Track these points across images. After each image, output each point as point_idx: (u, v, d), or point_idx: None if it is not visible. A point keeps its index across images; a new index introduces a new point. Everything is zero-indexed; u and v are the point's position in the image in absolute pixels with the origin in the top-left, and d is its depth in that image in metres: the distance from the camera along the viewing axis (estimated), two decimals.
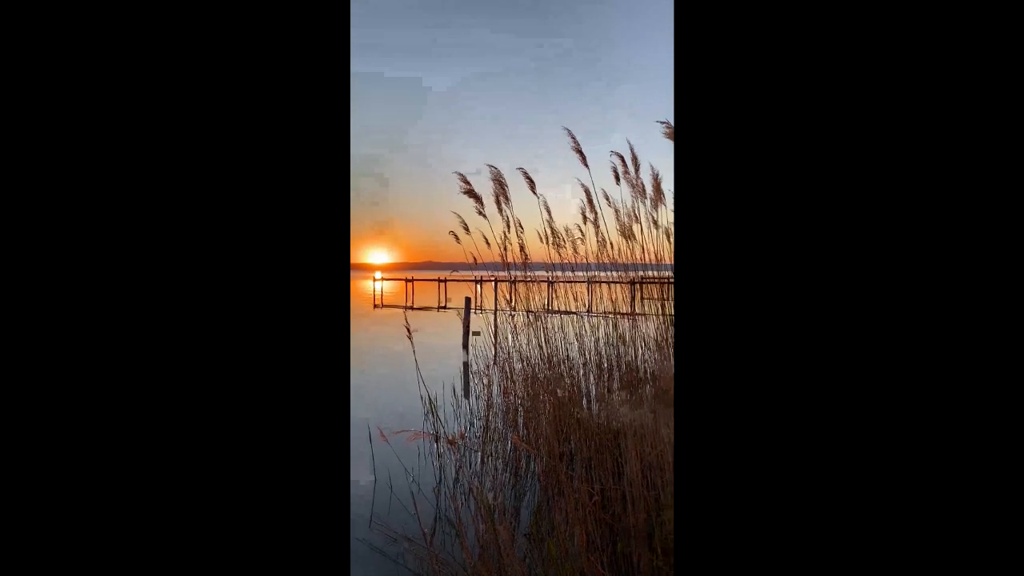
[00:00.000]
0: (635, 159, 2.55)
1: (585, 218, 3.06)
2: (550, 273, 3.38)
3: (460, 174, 2.01)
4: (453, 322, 10.82)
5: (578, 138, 2.40)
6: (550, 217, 3.00)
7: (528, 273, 3.26)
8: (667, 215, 2.94)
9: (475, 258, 3.38)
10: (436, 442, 3.32)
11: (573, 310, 3.41)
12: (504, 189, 2.46)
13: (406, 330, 2.11)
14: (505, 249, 2.96)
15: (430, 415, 2.74)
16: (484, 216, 2.47)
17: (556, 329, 3.26)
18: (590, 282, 4.79)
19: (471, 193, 1.93)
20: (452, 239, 3.25)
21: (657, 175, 2.72)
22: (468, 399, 4.84)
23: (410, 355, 2.48)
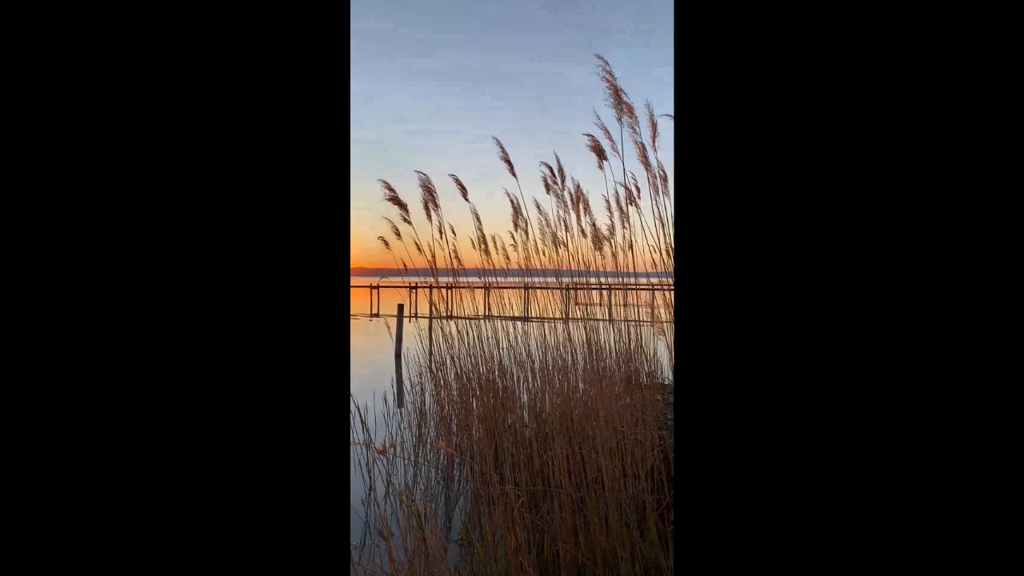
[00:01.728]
0: (561, 171, 2.63)
1: (516, 225, 3.11)
2: (483, 279, 3.41)
3: (384, 181, 2.00)
4: (386, 330, 10.61)
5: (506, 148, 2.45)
6: (479, 223, 3.03)
7: (460, 279, 3.27)
8: (588, 223, 3.05)
9: (405, 264, 3.36)
10: (366, 451, 3.26)
11: (508, 315, 3.45)
12: (433, 195, 2.46)
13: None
14: (433, 256, 2.96)
15: (360, 425, 2.69)
16: (409, 223, 2.45)
17: (489, 335, 3.29)
18: (526, 287, 4.86)
19: (395, 200, 1.91)
20: (381, 244, 3.21)
21: (578, 186, 2.84)
22: (401, 408, 4.77)
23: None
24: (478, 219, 2.92)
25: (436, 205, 2.46)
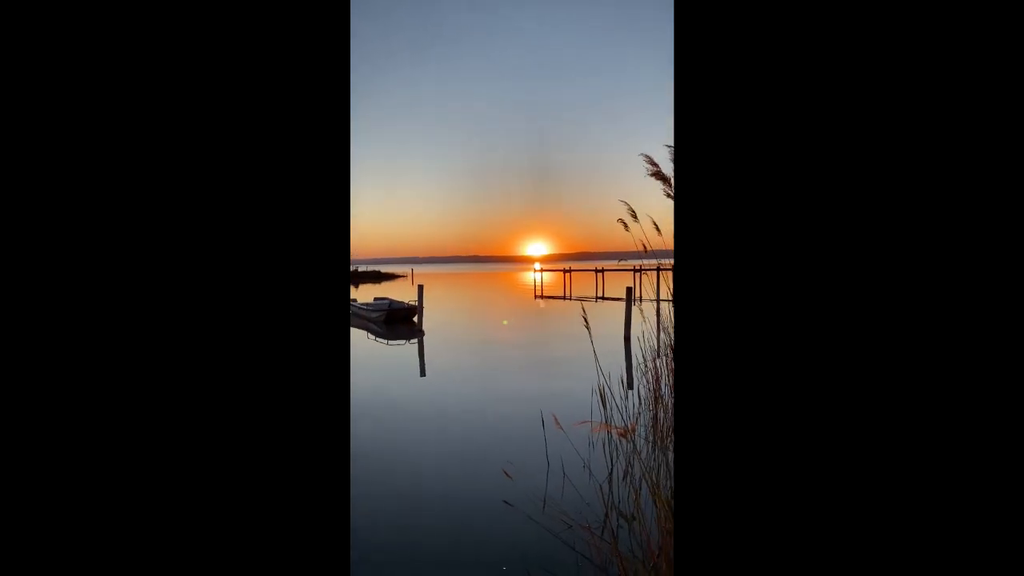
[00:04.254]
0: None
1: None
2: None
3: (647, 155, 1.93)
4: (612, 313, 10.69)
5: None
6: None
7: None
8: None
9: (645, 246, 3.27)
10: (608, 432, 3.30)
11: None
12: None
13: (584, 321, 2.11)
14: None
15: (602, 406, 2.72)
16: (671, 197, 2.34)
17: None
18: None
19: (659, 175, 1.82)
20: (611, 228, 3.17)
21: None
22: (631, 390, 4.74)
23: (572, 345, 2.48)
24: None
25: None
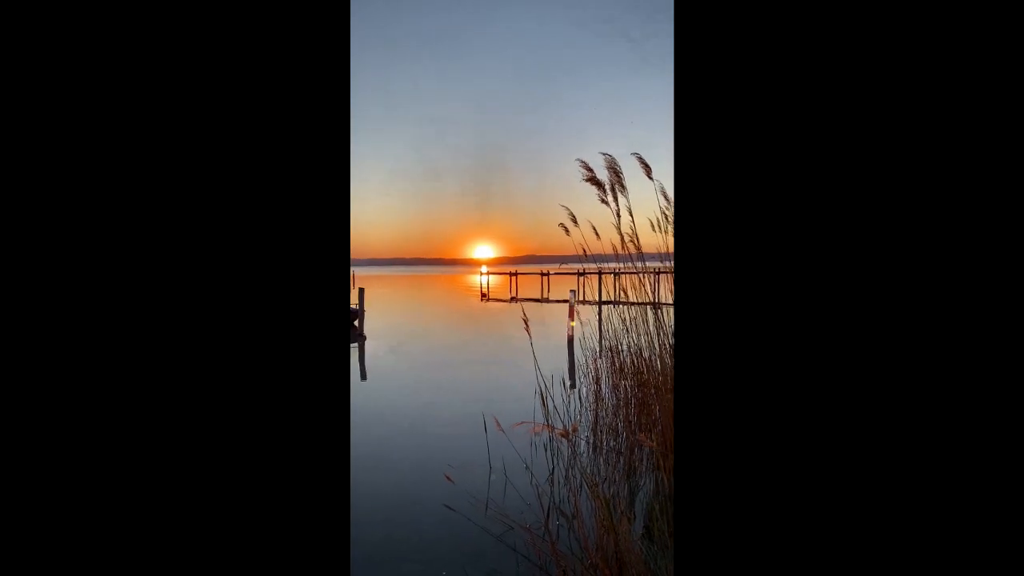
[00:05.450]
0: None
1: None
2: (661, 264, 3.25)
3: (582, 161, 1.96)
4: (555, 314, 10.84)
5: None
6: (668, 203, 2.87)
7: (640, 264, 3.15)
8: None
9: (584, 250, 3.33)
10: (549, 433, 3.33)
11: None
12: (619, 176, 2.38)
13: (524, 323, 2.13)
14: (622, 238, 2.87)
15: (542, 407, 2.75)
16: (606, 203, 2.39)
17: (667, 323, 3.13)
18: None
19: (593, 180, 1.86)
20: (556, 232, 3.22)
21: None
22: (573, 390, 4.82)
23: (516, 347, 2.49)
24: (666, 198, 2.76)
25: (623, 187, 2.38)
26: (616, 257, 3.09)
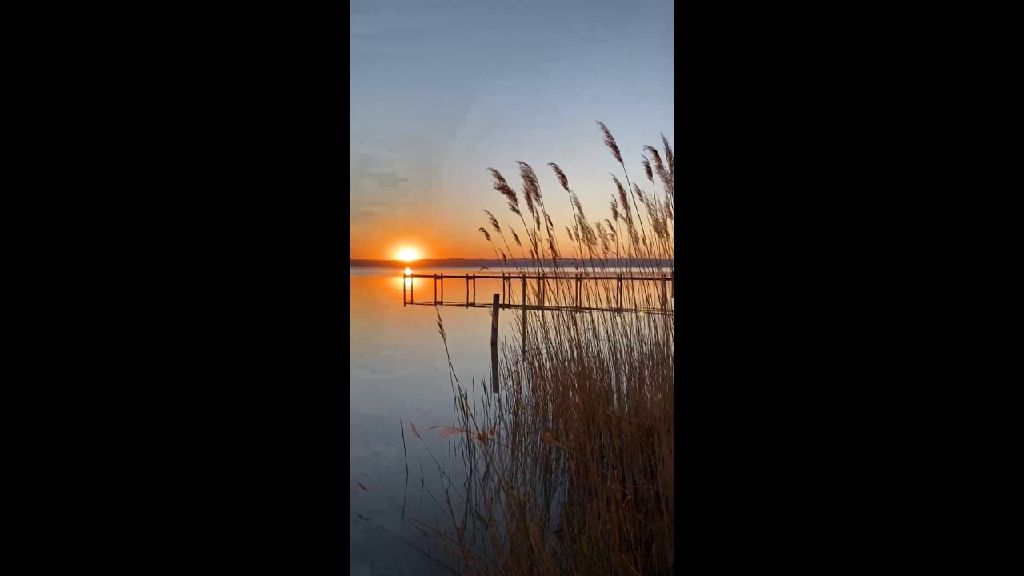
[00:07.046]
0: (669, 153, 2.50)
1: (616, 213, 3.02)
2: (579, 269, 3.36)
3: (494, 170, 2.00)
4: (481, 319, 10.87)
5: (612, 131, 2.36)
6: (581, 213, 2.97)
7: (557, 270, 3.24)
8: None
9: (504, 255, 3.38)
10: (467, 437, 3.34)
11: (604, 307, 3.38)
12: (535, 185, 2.45)
13: (439, 327, 2.12)
14: (536, 245, 2.94)
15: (460, 411, 2.76)
16: (517, 212, 2.44)
17: (585, 326, 3.24)
18: (620, 278, 4.74)
19: (505, 189, 1.90)
20: (481, 236, 3.25)
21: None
22: (496, 393, 4.86)
23: (438, 352, 2.49)
24: (579, 207, 2.86)
25: (538, 195, 2.45)
26: (534, 262, 3.16)
